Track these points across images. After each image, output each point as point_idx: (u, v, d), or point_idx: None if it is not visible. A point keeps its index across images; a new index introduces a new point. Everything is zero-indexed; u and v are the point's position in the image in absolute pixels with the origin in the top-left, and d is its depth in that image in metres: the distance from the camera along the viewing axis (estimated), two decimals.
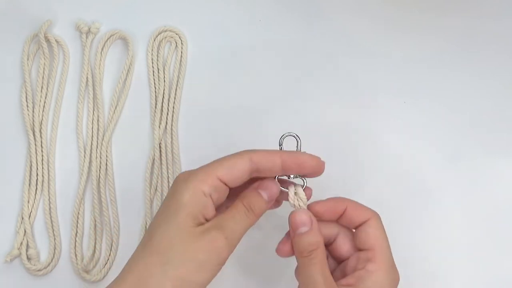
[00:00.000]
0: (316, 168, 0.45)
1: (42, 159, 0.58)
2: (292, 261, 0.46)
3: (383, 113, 0.58)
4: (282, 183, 0.46)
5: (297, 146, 0.47)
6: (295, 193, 0.45)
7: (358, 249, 0.45)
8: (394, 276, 0.44)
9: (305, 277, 0.43)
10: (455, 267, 0.54)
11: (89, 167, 0.58)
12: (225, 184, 0.43)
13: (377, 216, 0.45)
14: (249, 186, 0.46)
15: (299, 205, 0.45)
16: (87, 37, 0.60)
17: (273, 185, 0.45)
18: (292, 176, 0.46)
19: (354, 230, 0.46)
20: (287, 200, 0.46)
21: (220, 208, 0.45)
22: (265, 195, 0.45)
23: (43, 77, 0.60)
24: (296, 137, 0.47)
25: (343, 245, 0.46)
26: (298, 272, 0.45)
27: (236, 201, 0.44)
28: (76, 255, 0.55)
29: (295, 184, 0.46)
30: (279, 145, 0.46)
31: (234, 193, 0.47)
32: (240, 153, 0.44)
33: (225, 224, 0.42)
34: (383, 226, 0.45)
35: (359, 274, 0.43)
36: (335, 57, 0.60)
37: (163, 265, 0.40)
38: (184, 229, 0.41)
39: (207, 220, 0.43)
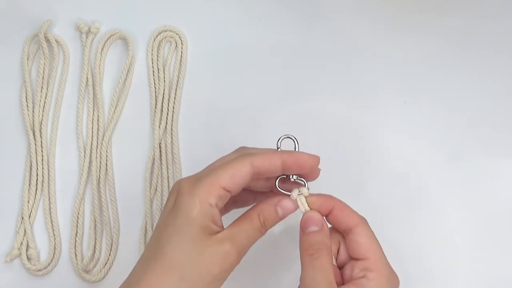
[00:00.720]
0: (315, 168, 0.45)
1: (42, 159, 0.58)
2: (292, 263, 0.46)
3: (383, 113, 0.58)
4: (283, 183, 0.46)
5: (294, 148, 0.47)
6: (299, 194, 0.45)
7: (352, 258, 0.44)
8: (394, 282, 0.44)
9: (308, 280, 0.43)
10: (455, 267, 0.54)
11: (89, 167, 0.58)
12: (228, 191, 0.43)
13: (363, 222, 0.45)
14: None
15: (304, 207, 0.45)
16: (87, 37, 0.60)
17: (291, 205, 0.45)
18: (294, 177, 0.46)
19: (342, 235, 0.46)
20: None
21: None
22: (280, 213, 0.45)
23: (43, 77, 0.60)
24: (294, 139, 0.47)
25: (342, 254, 0.45)
26: (301, 277, 0.44)
27: (252, 212, 0.44)
28: (76, 255, 0.55)
29: (298, 186, 0.46)
30: (277, 148, 0.46)
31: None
32: (241, 159, 0.44)
33: (238, 237, 0.43)
34: (372, 232, 0.44)
35: (360, 282, 0.43)
36: (335, 57, 0.60)
37: (178, 280, 0.41)
38: (198, 243, 0.41)
39: (217, 226, 0.43)
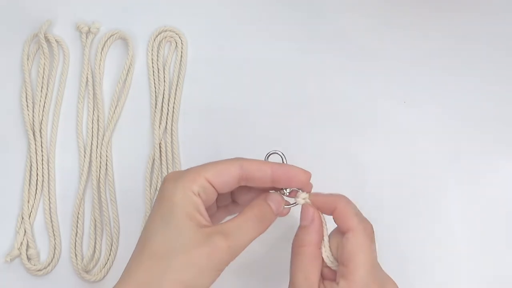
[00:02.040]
0: (305, 183, 0.45)
1: (42, 159, 0.58)
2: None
3: (383, 113, 0.58)
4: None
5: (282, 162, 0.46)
6: (303, 199, 0.45)
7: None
8: None
9: (290, 272, 0.43)
10: (455, 267, 0.54)
11: (89, 167, 0.58)
12: (214, 187, 0.43)
13: (359, 229, 0.43)
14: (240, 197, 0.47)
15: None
16: (87, 37, 0.60)
17: (280, 199, 0.45)
18: (287, 190, 0.45)
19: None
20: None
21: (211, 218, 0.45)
22: (273, 207, 0.44)
23: (43, 77, 0.60)
24: (281, 155, 0.46)
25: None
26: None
27: (246, 209, 0.43)
28: (76, 255, 0.55)
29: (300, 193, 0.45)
30: None
31: (222, 201, 0.47)
32: (231, 159, 0.44)
33: (230, 232, 0.41)
34: (364, 241, 0.42)
35: (332, 285, 0.42)
36: (335, 57, 0.60)
37: (164, 270, 0.40)
38: (184, 231, 0.41)
39: (204, 219, 0.42)
